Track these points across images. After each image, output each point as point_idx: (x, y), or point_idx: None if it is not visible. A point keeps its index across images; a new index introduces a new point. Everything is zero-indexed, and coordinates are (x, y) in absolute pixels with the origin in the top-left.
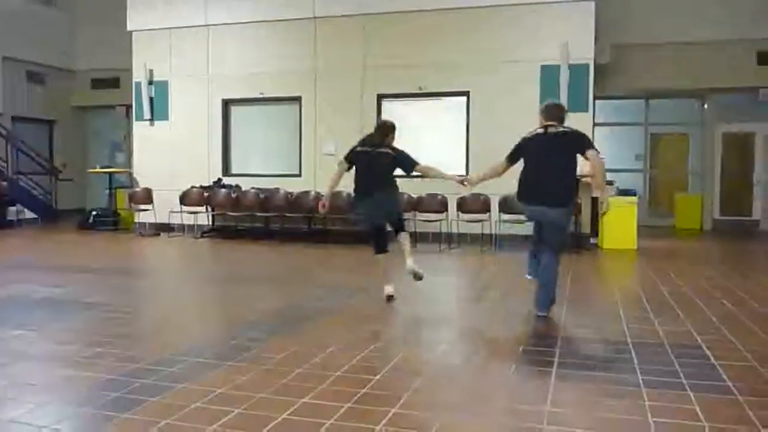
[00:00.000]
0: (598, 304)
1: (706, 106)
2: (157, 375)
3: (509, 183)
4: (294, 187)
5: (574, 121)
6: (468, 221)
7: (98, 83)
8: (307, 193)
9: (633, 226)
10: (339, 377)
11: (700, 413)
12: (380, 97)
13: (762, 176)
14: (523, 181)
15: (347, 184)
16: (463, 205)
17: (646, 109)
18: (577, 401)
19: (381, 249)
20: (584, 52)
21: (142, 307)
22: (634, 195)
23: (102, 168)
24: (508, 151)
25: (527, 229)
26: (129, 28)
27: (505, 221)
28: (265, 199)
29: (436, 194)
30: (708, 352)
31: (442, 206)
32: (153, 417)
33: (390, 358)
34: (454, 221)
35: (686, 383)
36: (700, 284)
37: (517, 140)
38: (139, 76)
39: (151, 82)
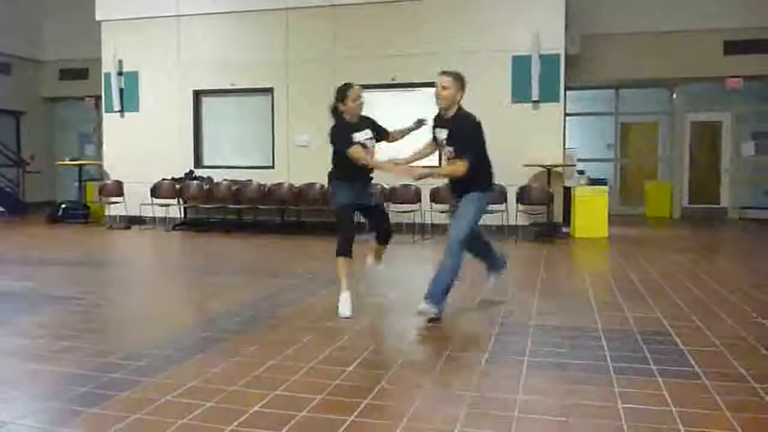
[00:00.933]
0: (570, 293)
1: (674, 95)
2: (127, 369)
3: None
4: (267, 178)
5: (546, 112)
6: (441, 212)
7: (67, 74)
8: (280, 184)
9: (604, 215)
10: (311, 369)
11: (668, 399)
12: None
13: (729, 165)
14: (489, 170)
15: (320, 177)
16: (436, 196)
17: (616, 99)
18: (548, 389)
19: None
20: (555, 43)
21: (112, 301)
22: (605, 184)
23: (71, 160)
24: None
25: (498, 220)
26: (98, 17)
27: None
28: (238, 191)
29: (410, 185)
30: (677, 339)
31: (415, 197)
32: (122, 412)
33: (363, 349)
34: (428, 212)
35: (655, 369)
36: (670, 271)
37: (479, 124)
38: (108, 66)
39: (120, 73)
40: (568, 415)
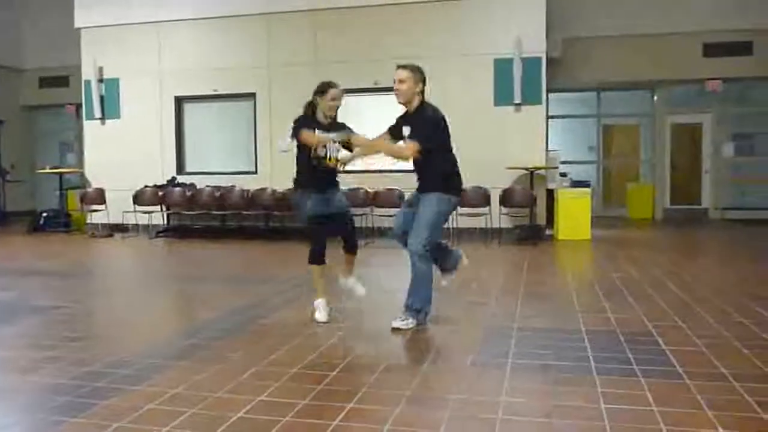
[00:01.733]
0: (553, 294)
1: (655, 97)
2: (109, 377)
3: (475, 178)
4: (250, 184)
5: (529, 114)
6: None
7: (47, 82)
8: (263, 190)
9: (587, 217)
10: (296, 374)
11: (651, 399)
12: None
13: (710, 166)
14: (455, 169)
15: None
16: None
17: (597, 101)
18: (532, 391)
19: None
20: (537, 46)
21: (94, 309)
22: (588, 186)
23: (52, 168)
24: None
25: (481, 222)
26: (77, 24)
27: (462, 215)
28: (221, 197)
29: (394, 189)
30: (659, 339)
31: (399, 201)
32: (104, 420)
33: (347, 353)
34: None
35: (638, 370)
36: (652, 272)
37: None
38: (88, 74)
39: (101, 80)
40: (552, 416)
